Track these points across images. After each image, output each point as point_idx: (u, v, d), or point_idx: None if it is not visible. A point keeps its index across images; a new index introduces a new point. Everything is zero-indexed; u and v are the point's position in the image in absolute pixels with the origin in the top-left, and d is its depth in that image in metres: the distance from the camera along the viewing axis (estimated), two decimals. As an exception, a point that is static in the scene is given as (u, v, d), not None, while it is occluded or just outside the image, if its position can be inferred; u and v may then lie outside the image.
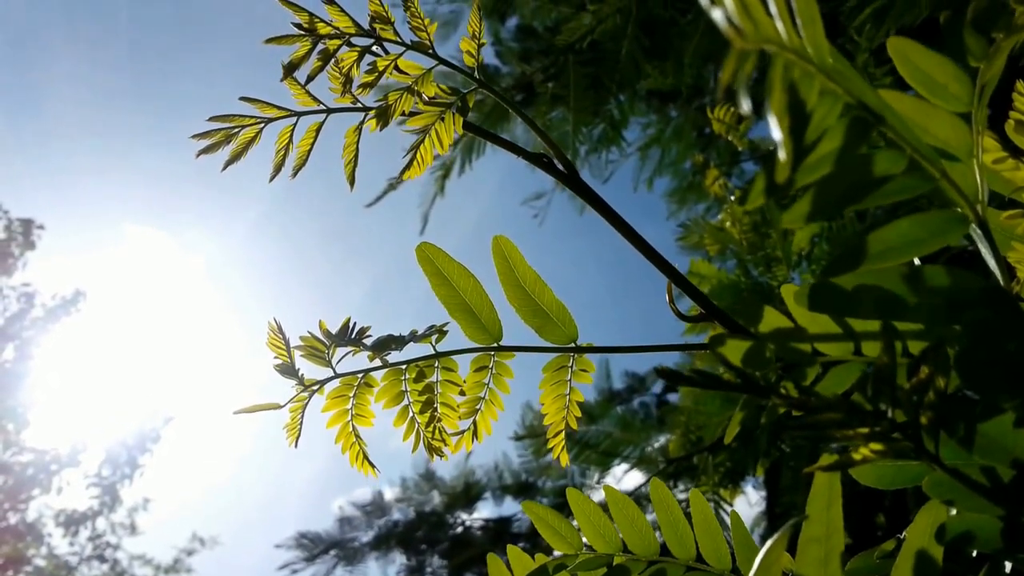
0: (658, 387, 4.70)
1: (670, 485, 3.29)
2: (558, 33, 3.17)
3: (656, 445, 3.68)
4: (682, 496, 3.26)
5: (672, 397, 4.57)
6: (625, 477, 3.63)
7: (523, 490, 4.44)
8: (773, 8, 0.38)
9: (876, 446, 0.46)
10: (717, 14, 0.34)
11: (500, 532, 4.51)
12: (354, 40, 0.70)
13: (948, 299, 0.52)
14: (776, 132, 0.37)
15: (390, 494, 5.00)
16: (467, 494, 4.67)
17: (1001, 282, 0.50)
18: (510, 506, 4.67)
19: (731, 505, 2.88)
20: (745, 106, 0.35)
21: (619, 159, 3.87)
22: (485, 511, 4.87)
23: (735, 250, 2.67)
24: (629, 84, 3.27)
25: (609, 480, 3.49)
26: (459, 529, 4.69)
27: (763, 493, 3.29)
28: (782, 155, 0.37)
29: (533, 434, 3.97)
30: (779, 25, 0.38)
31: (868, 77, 2.02)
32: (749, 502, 3.52)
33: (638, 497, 3.29)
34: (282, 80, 0.68)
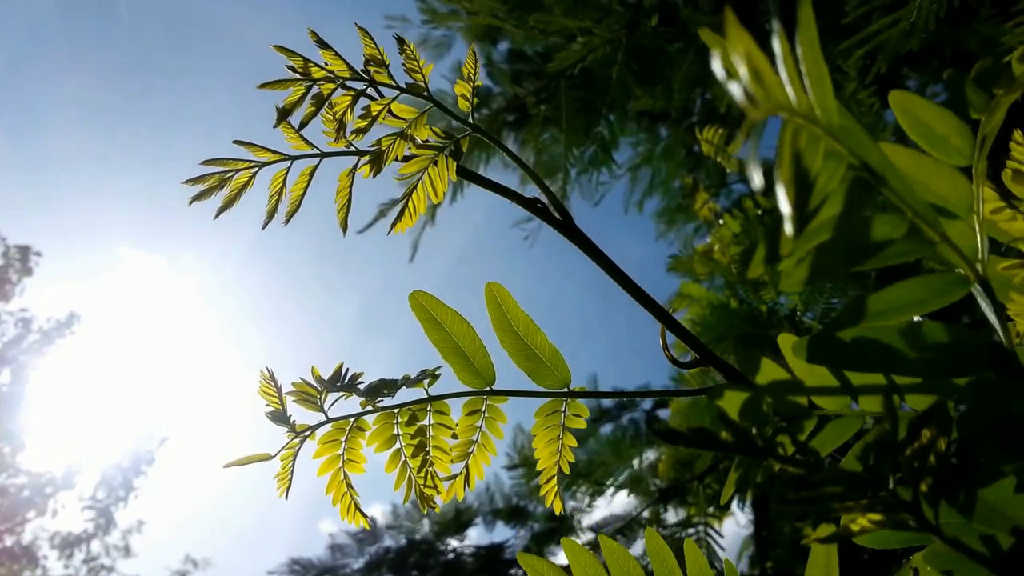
0: (647, 403, 4.69)
1: (661, 509, 3.28)
2: (548, 58, 3.17)
3: (647, 462, 3.67)
4: (672, 520, 3.25)
5: (663, 413, 4.56)
6: (616, 496, 3.62)
7: (514, 514, 4.42)
8: (783, 72, 0.37)
9: (875, 516, 0.45)
10: (735, 89, 0.33)
11: (492, 559, 4.49)
12: (348, 83, 0.70)
13: (949, 356, 0.51)
14: (784, 206, 0.36)
15: (382, 519, 4.99)
16: (458, 520, 4.65)
17: (1004, 342, 0.49)
18: (501, 531, 4.66)
19: (720, 533, 2.87)
20: (757, 181, 0.34)
21: (609, 181, 3.87)
22: (476, 537, 4.86)
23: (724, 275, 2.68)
24: (619, 105, 3.28)
25: (600, 502, 3.48)
26: (451, 555, 4.67)
27: (752, 516, 3.28)
28: (788, 229, 0.36)
29: (526, 462, 3.96)
30: (789, 89, 0.38)
31: (855, 104, 2.03)
32: (738, 523, 3.52)
33: (630, 523, 3.28)
34: (275, 126, 0.67)
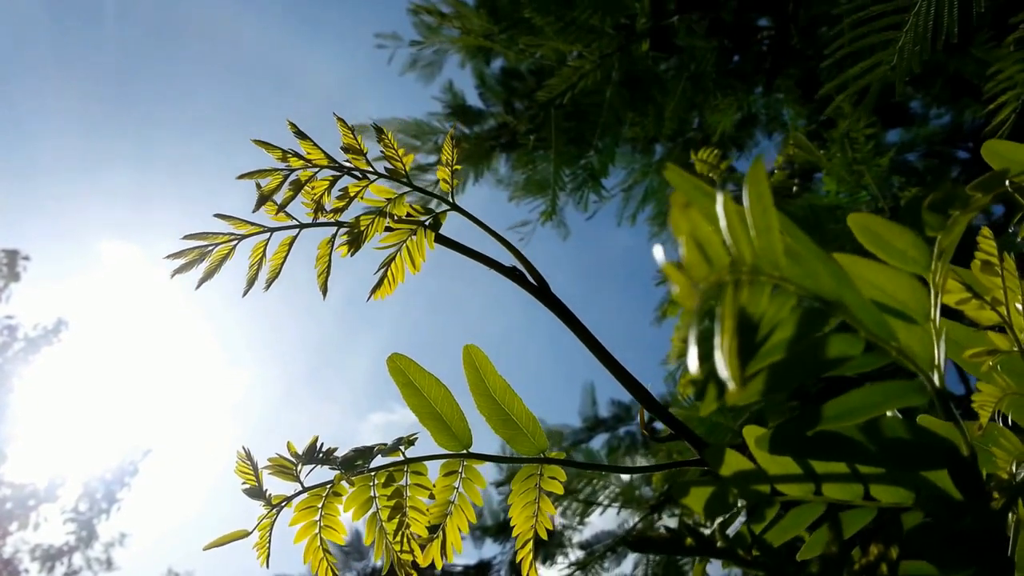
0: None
1: (654, 517, 3.28)
2: (543, 75, 3.17)
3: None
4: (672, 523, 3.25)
5: (658, 425, 4.56)
6: (608, 507, 3.61)
7: (502, 530, 4.42)
8: (727, 235, 0.38)
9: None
10: (674, 288, 0.34)
11: (480, 577, 4.49)
12: (328, 168, 0.71)
13: (909, 454, 0.52)
14: (722, 368, 0.36)
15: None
16: (444, 535, 4.64)
17: (963, 451, 0.51)
18: (490, 548, 4.64)
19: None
20: (694, 366, 0.35)
21: (599, 202, 3.87)
22: (464, 554, 4.85)
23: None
24: (611, 132, 3.29)
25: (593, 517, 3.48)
26: (438, 572, 4.66)
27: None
28: (731, 385, 0.36)
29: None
30: (733, 250, 0.38)
31: (850, 142, 2.02)
32: (731, 534, 3.50)
33: (621, 540, 3.27)
34: (254, 211, 0.68)
